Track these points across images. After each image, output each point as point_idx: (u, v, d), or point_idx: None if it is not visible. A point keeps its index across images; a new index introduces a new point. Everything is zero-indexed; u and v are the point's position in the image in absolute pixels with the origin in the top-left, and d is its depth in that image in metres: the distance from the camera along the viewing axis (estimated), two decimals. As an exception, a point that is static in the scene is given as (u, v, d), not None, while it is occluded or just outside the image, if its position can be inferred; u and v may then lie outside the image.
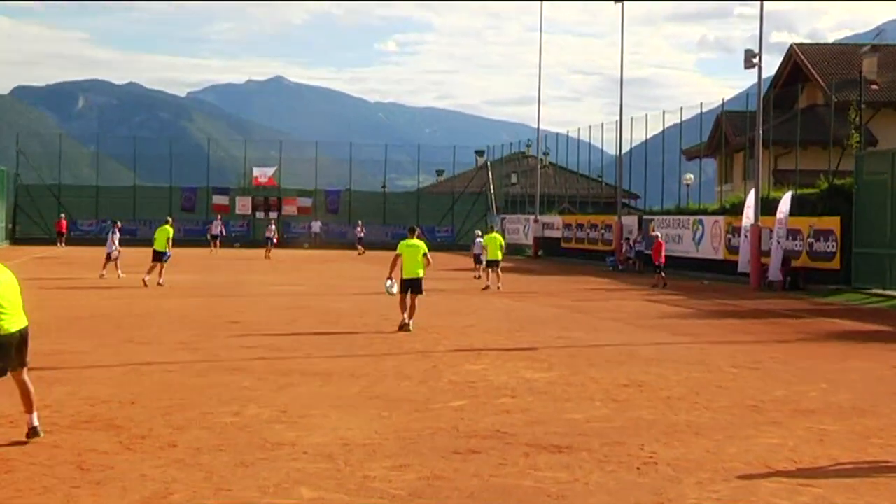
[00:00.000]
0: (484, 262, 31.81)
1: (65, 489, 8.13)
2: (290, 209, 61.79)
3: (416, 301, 18.70)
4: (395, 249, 19.41)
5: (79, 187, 63.64)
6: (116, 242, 31.54)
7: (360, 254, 51.48)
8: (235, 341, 17.15)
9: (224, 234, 53.14)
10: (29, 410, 9.62)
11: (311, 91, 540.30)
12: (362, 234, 54.71)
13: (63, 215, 55.98)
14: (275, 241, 48.19)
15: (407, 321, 18.38)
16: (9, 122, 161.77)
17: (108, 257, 31.34)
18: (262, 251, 48.93)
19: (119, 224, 33.64)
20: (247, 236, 59.97)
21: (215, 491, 8.24)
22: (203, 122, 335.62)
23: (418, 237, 19.46)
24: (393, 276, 19.00)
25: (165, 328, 18.97)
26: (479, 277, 33.09)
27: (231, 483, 8.44)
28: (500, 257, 30.33)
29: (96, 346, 16.07)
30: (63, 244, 52.92)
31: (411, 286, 18.65)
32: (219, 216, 54.71)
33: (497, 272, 30.03)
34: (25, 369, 9.67)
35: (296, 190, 64.55)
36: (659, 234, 34.43)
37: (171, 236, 29.44)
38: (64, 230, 54.70)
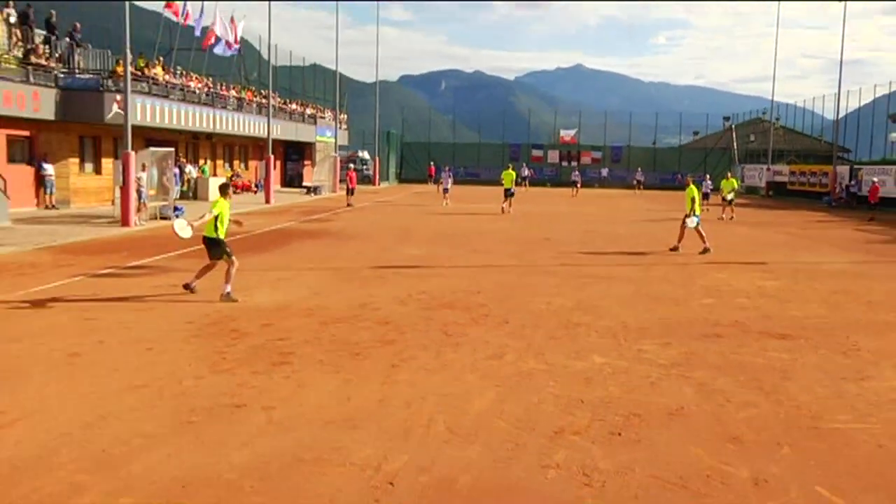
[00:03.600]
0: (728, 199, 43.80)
1: (435, 347, 11.98)
2: (585, 159, 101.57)
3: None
4: (685, 189, 27.38)
5: (441, 144, 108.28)
6: (449, 181, 55.14)
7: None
8: (551, 258, 23.95)
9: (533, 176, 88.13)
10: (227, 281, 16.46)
11: (602, 76, 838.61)
12: (642, 178, 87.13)
13: (432, 163, 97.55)
14: (581, 182, 78.31)
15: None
16: (396, 100, 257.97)
17: (445, 190, 54.21)
18: (567, 190, 76.85)
19: (449, 167, 59.63)
20: (555, 178, 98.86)
21: (535, 354, 11.59)
22: (525, 98, 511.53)
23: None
24: None
25: (498, 243, 27.58)
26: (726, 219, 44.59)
27: (545, 350, 11.95)
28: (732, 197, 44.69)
29: (452, 255, 24.21)
30: (432, 183, 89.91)
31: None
32: (526, 167, 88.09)
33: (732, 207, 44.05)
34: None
35: (590, 146, 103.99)
36: (875, 180, 46.58)
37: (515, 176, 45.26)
38: (432, 174, 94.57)
